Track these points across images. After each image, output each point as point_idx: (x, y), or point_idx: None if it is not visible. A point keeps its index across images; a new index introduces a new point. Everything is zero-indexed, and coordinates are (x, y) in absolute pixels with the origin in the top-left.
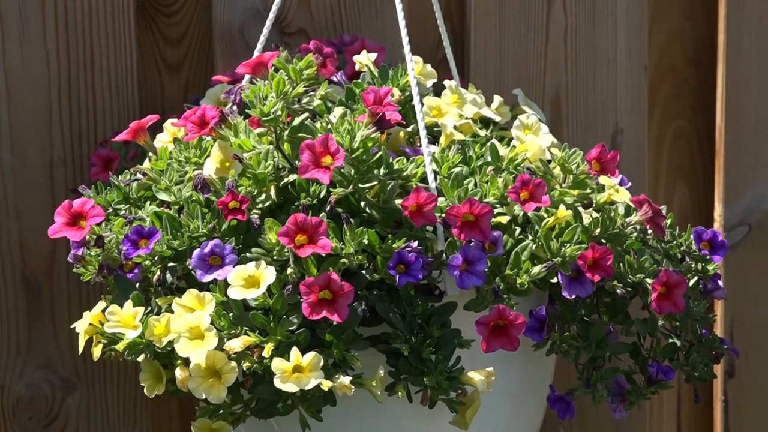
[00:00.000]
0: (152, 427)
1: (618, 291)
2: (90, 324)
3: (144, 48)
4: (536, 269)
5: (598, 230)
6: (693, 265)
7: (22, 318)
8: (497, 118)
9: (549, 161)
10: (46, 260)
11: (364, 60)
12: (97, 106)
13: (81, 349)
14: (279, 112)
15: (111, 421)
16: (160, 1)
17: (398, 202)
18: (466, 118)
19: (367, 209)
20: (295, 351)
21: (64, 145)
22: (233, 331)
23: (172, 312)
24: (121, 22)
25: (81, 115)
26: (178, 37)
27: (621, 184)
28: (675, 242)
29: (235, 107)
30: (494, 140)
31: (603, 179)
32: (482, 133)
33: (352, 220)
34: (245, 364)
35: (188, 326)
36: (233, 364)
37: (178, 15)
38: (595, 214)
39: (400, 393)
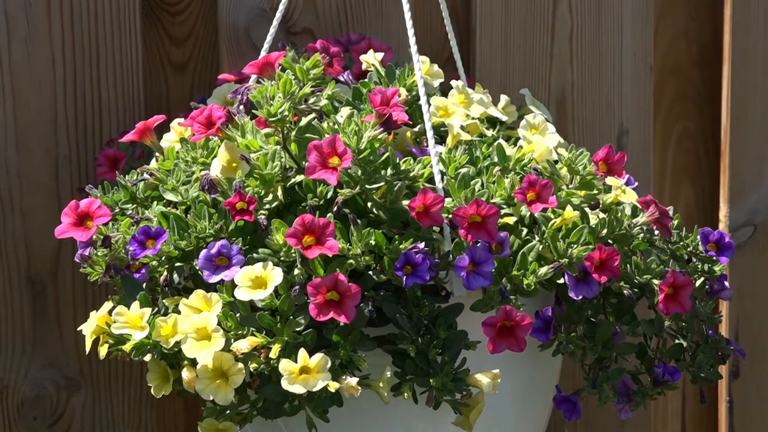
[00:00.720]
0: (157, 427)
1: (625, 292)
2: (97, 325)
3: (149, 47)
4: (543, 270)
5: (605, 231)
6: (699, 266)
7: (27, 317)
8: (504, 118)
9: (556, 162)
10: (51, 260)
11: (371, 59)
12: (103, 105)
13: (88, 349)
14: (286, 113)
15: (116, 420)
16: (165, 1)
17: (405, 202)
18: (473, 118)
19: (374, 210)
20: (302, 352)
21: (69, 144)
22: (240, 332)
23: (179, 312)
24: (127, 21)
25: (86, 115)
26: (183, 36)
27: (627, 184)
28: (682, 243)
29: (242, 107)
30: (501, 140)
31: (610, 180)
32: (489, 132)
33: (359, 220)
34: (252, 365)
35: (195, 327)
36: (240, 365)
37: (183, 14)
38: (601, 215)
39: (406, 394)
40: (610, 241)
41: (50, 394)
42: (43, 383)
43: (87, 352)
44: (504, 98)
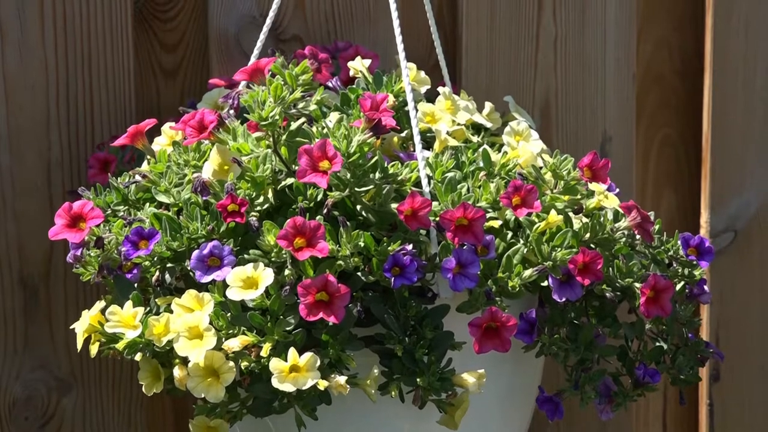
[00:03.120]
0: (147, 428)
1: (607, 295)
2: (89, 324)
3: (141, 53)
4: (527, 272)
5: (588, 235)
6: (680, 270)
7: (19, 319)
8: (488, 125)
9: (540, 167)
10: (43, 262)
11: (359, 66)
12: (95, 110)
13: (79, 347)
14: (277, 117)
15: (106, 421)
16: (157, 7)
17: (393, 206)
18: (459, 124)
19: (362, 213)
20: (292, 351)
21: (61, 148)
22: (231, 331)
23: (171, 312)
24: (119, 27)
25: (78, 119)
26: (174, 42)
27: (609, 190)
28: (663, 247)
29: (232, 111)
30: (486, 146)
31: (593, 185)
32: (474, 139)
33: (348, 223)
34: (243, 364)
35: (187, 326)
36: (231, 363)
37: (174, 21)
38: (585, 220)
39: (393, 393)
40: (592, 245)
41: (41, 395)
42: (34, 384)
43: (78, 351)
44: (488, 105)
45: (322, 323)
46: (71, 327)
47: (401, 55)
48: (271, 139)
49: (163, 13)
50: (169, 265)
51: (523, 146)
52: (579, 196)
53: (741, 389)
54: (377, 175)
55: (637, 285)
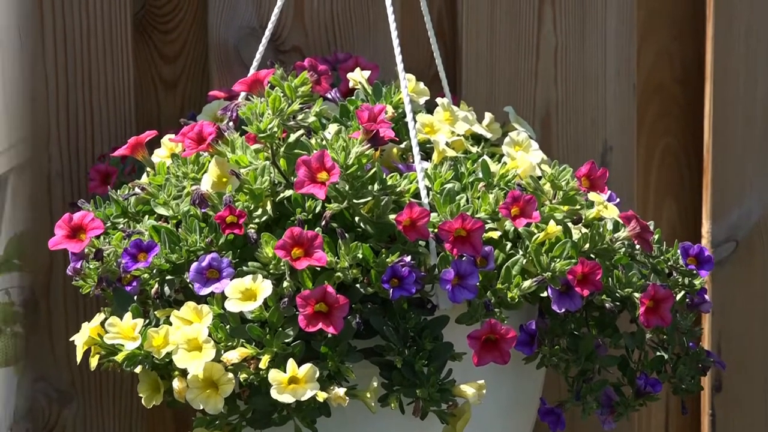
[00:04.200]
0: None
1: (606, 305)
2: (89, 336)
3: (141, 65)
4: (526, 283)
5: (587, 245)
6: (680, 280)
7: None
8: (488, 135)
9: (539, 178)
10: (43, 273)
11: (358, 77)
12: (95, 122)
13: (79, 360)
14: (275, 129)
15: None
16: (156, 19)
17: (392, 217)
18: (458, 135)
19: (361, 224)
20: (291, 363)
21: (61, 160)
22: (230, 343)
23: (170, 324)
24: (119, 39)
25: (78, 131)
26: (174, 54)
27: (609, 200)
28: (662, 257)
29: (231, 123)
30: (485, 157)
31: (592, 195)
32: (474, 149)
33: (346, 234)
34: (242, 376)
35: (186, 338)
36: (230, 375)
37: (174, 32)
38: (584, 230)
39: (392, 404)
40: (592, 255)
41: (42, 406)
42: (35, 396)
43: (78, 363)
44: (488, 116)
45: (321, 335)
46: (71, 339)
47: (399, 66)
48: (269, 151)
49: (163, 24)
50: (168, 277)
51: (522, 156)
52: (578, 207)
53: (743, 400)
54: (376, 186)
55: (637, 295)
